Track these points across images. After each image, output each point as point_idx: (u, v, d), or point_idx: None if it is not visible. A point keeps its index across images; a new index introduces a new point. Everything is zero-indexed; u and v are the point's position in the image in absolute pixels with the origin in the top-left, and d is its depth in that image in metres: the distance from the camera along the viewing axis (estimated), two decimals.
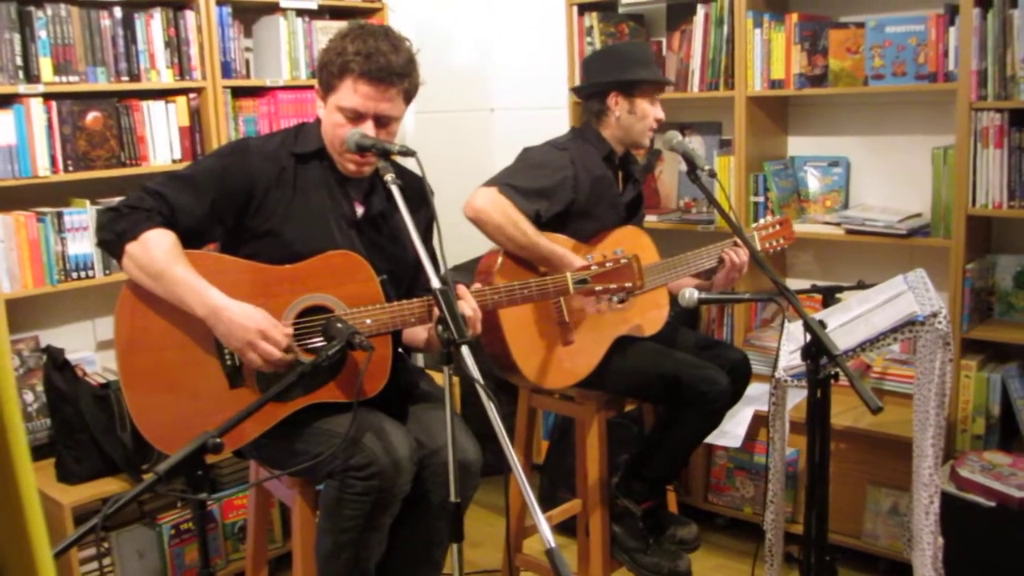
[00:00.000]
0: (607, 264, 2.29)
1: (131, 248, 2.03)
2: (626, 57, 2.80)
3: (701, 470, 3.55)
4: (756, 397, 3.25)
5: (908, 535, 2.73)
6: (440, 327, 1.82)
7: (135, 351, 2.06)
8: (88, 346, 3.23)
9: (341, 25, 3.30)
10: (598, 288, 2.31)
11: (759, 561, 2.61)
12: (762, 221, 3.00)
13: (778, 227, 2.99)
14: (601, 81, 2.80)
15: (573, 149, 2.71)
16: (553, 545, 1.50)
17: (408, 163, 2.14)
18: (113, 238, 2.04)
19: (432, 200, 2.04)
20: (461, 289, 2.07)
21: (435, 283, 1.84)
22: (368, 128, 2.13)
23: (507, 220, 2.50)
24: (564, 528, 3.26)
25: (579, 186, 2.66)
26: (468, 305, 2.04)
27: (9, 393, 0.47)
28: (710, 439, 2.90)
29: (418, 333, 2.28)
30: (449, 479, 1.82)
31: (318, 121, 2.25)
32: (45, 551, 0.48)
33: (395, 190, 1.96)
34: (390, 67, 2.10)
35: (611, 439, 2.77)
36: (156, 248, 2.01)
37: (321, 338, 2.07)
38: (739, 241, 2.74)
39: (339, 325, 1.95)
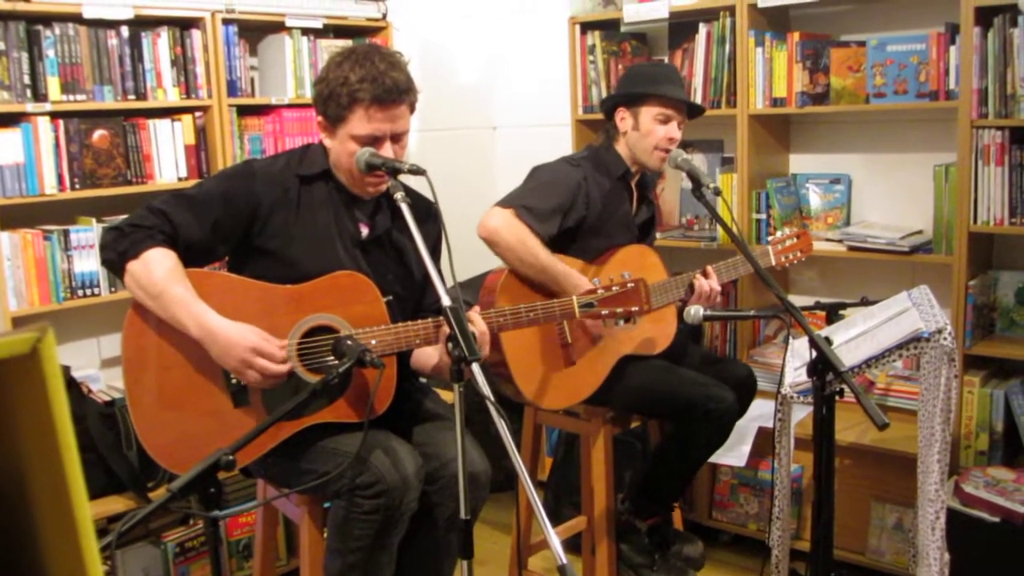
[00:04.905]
0: (614, 288, 2.30)
1: (132, 266, 2.04)
2: (641, 74, 2.82)
3: (705, 486, 3.54)
4: (759, 415, 3.26)
5: (913, 551, 2.73)
6: (450, 344, 1.83)
7: (141, 369, 2.07)
8: (93, 364, 3.23)
9: (346, 43, 3.35)
10: (604, 312, 2.32)
11: None
12: (778, 234, 2.99)
13: (795, 240, 2.99)
14: (611, 95, 2.82)
15: (586, 166, 2.72)
16: (565, 561, 1.51)
17: (415, 182, 2.15)
18: (115, 257, 2.06)
19: (442, 220, 2.05)
20: (471, 313, 2.08)
21: (445, 300, 1.85)
22: (387, 149, 2.14)
23: (519, 242, 2.51)
24: (568, 545, 3.26)
25: (591, 203, 2.67)
26: (477, 327, 2.05)
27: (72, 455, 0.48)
28: (716, 457, 2.90)
29: (427, 358, 2.28)
30: (459, 492, 1.82)
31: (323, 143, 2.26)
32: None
33: (405, 208, 1.97)
34: (397, 86, 2.11)
35: (616, 456, 2.78)
36: (157, 267, 2.02)
37: (327, 357, 2.08)
38: (708, 270, 2.74)
39: (349, 343, 1.96)
